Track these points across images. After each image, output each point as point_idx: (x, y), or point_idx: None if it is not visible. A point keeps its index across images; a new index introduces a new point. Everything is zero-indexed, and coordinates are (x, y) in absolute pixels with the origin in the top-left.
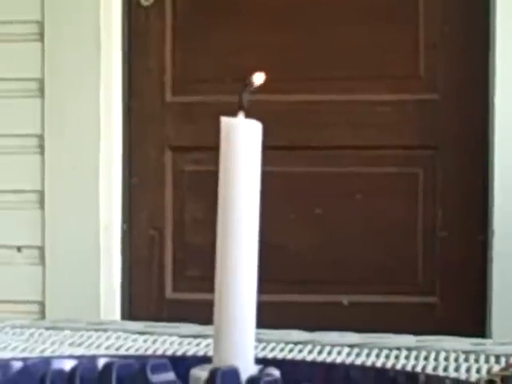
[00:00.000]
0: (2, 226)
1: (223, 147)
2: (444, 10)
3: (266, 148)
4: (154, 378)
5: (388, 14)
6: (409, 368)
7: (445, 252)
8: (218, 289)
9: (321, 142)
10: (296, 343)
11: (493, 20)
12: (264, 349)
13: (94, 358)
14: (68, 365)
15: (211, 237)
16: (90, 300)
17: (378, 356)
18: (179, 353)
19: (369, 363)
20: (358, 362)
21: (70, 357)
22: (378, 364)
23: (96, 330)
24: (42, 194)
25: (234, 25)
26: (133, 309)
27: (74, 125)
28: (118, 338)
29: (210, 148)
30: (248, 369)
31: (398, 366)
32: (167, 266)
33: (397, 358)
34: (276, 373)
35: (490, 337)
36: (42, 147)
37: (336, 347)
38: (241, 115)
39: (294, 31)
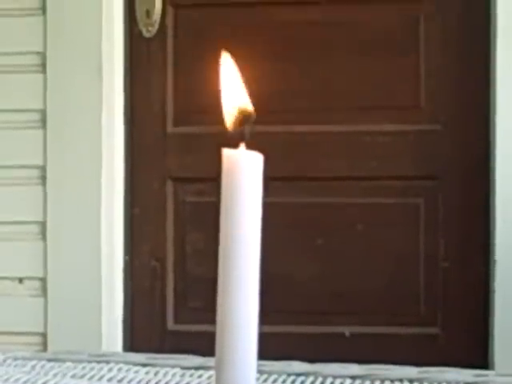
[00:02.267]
0: (4, 258)
1: (224, 179)
2: (444, 39)
3: (268, 179)
4: None
5: (388, 43)
6: None
7: (446, 282)
8: (220, 320)
9: (322, 172)
10: (298, 375)
11: (493, 49)
12: (266, 380)
13: None
14: None
15: (213, 268)
16: (92, 331)
17: None
18: None
19: None
20: None
21: None
22: None
23: (98, 362)
24: (43, 225)
25: (234, 56)
26: (134, 340)
27: (76, 156)
28: (119, 369)
29: (212, 179)
30: None
31: None
32: (169, 297)
33: None
34: None
35: (492, 368)
36: (43, 178)
37: (338, 379)
38: (242, 147)
39: (294, 61)
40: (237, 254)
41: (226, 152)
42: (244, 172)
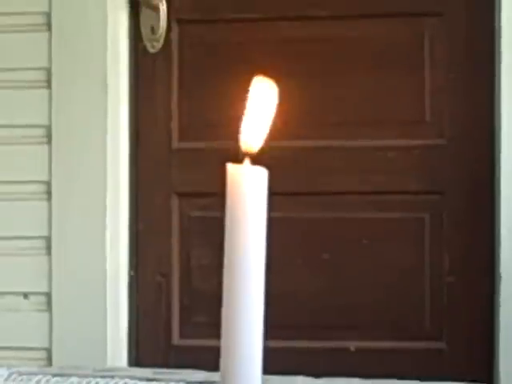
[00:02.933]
0: (9, 273)
1: (229, 194)
2: (449, 55)
3: (273, 194)
4: None
5: (393, 59)
6: None
7: (451, 297)
8: (225, 335)
9: (327, 187)
10: None
11: (498, 65)
12: None
13: None
14: None
15: (218, 283)
16: (97, 346)
17: None
18: None
19: None
20: None
21: None
22: None
23: (103, 377)
24: (48, 240)
25: (240, 71)
26: (140, 355)
27: (81, 171)
28: None
29: (217, 194)
30: None
31: None
32: (174, 313)
33: None
34: None
35: (497, 383)
36: (48, 193)
37: None
38: (247, 162)
39: (300, 78)
40: (241, 269)
41: (231, 167)
42: (248, 187)
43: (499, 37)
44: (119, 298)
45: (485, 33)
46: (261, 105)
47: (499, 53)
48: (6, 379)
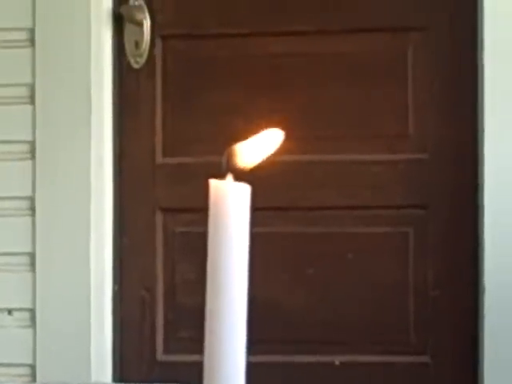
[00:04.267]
0: None
1: (212, 210)
2: (433, 69)
3: (257, 209)
4: None
5: (377, 74)
6: None
7: (436, 311)
8: (207, 350)
9: (311, 202)
10: None
11: (481, 78)
12: None
13: None
14: None
15: (202, 298)
16: (81, 362)
17: None
18: None
19: None
20: None
21: None
22: None
23: None
24: (32, 256)
25: (224, 86)
26: (124, 370)
27: (65, 187)
28: None
29: (201, 209)
30: None
31: None
32: (158, 328)
33: None
34: None
35: None
36: (33, 209)
37: None
38: (229, 178)
39: (283, 92)
40: (224, 284)
41: (214, 183)
42: (231, 203)
43: (482, 51)
44: (103, 313)
45: (468, 47)
46: (265, 142)
47: (482, 67)
48: None
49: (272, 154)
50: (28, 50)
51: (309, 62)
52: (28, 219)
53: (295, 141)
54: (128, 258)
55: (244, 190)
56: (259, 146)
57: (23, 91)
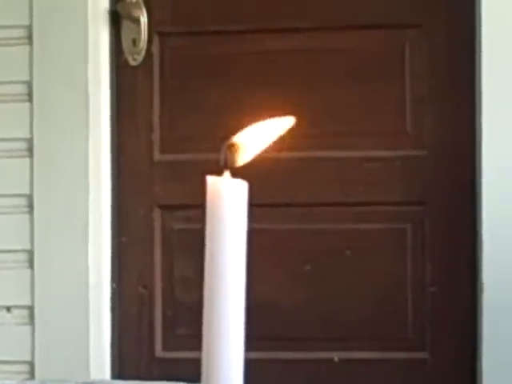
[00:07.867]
0: None
1: (209, 206)
2: (430, 66)
3: (254, 205)
4: None
5: (373, 70)
6: None
7: (434, 307)
8: (206, 347)
9: (309, 198)
10: None
11: (479, 74)
12: None
13: None
14: None
15: (201, 295)
16: (80, 359)
17: None
18: None
19: None
20: None
21: None
22: None
23: None
24: (31, 253)
25: (221, 83)
26: (122, 367)
27: (63, 184)
28: None
29: (199, 206)
30: None
31: None
32: (157, 325)
33: None
34: None
35: None
36: (31, 207)
37: None
38: (226, 174)
39: (281, 89)
40: (221, 281)
41: (210, 179)
42: (228, 199)
43: (479, 47)
44: (102, 311)
45: (465, 43)
46: (267, 130)
47: (479, 63)
48: None
49: (269, 151)
50: (25, 48)
51: (306, 59)
52: (26, 216)
53: (292, 137)
54: (126, 255)
55: (241, 187)
56: (264, 132)
57: (21, 89)
